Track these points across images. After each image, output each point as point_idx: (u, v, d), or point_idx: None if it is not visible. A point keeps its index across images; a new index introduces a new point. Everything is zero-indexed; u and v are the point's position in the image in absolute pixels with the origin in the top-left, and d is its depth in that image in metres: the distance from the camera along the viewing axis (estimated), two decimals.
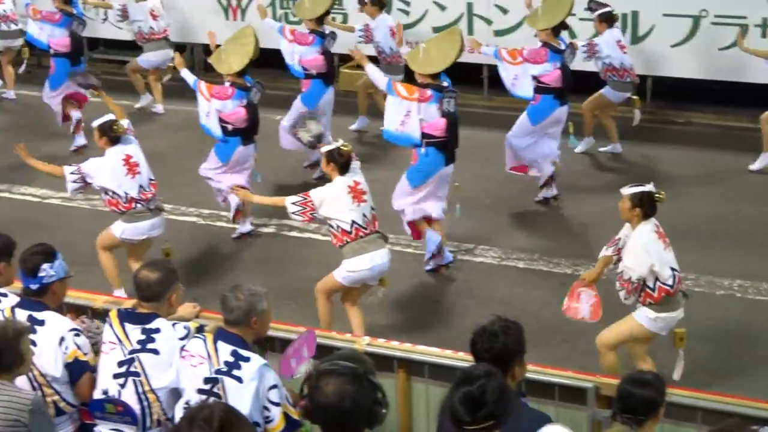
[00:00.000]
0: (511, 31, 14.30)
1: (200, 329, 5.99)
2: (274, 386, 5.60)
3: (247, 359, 5.63)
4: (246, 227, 11.04)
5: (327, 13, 12.67)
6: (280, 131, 12.41)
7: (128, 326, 5.94)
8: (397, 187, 10.06)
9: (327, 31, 12.52)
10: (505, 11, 14.11)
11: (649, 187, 7.70)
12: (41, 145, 13.09)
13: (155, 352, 5.87)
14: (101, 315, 6.59)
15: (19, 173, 12.28)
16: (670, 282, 7.64)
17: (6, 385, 5.32)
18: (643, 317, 7.76)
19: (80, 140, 13.49)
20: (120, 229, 9.41)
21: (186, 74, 10.86)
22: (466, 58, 12.81)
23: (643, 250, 7.60)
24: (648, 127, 13.64)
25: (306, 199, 8.60)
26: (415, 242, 10.44)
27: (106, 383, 5.92)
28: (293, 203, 8.65)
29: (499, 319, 5.16)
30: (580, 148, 12.97)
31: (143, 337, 5.89)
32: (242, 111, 10.56)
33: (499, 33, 14.40)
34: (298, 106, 12.41)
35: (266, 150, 11.29)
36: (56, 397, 6.02)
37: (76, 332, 6.08)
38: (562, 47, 11.33)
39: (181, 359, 5.79)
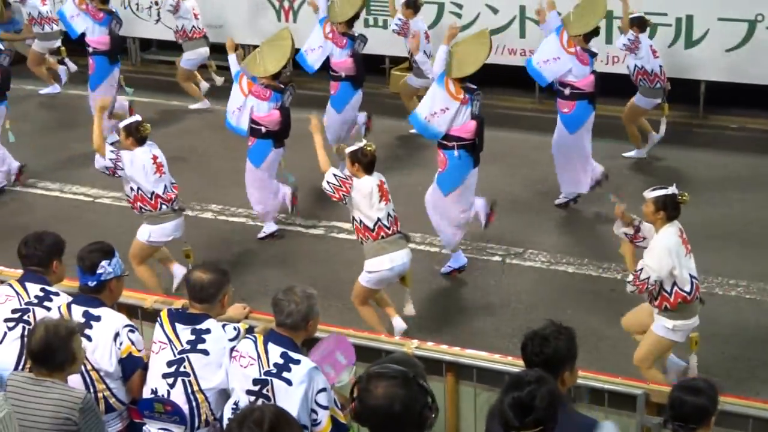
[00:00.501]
0: None
1: (250, 330, 6.01)
2: (323, 389, 5.60)
3: (297, 362, 5.64)
4: (272, 227, 11.12)
5: (357, 16, 12.67)
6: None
7: (178, 326, 5.96)
8: (428, 197, 10.03)
9: (357, 34, 12.51)
10: (558, 14, 13.95)
11: (672, 190, 7.63)
12: (76, 143, 13.32)
13: (205, 352, 5.89)
14: (152, 315, 6.62)
15: (71, 172, 12.44)
16: (687, 288, 7.59)
17: (57, 384, 5.37)
18: (661, 328, 7.72)
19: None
20: (147, 233, 9.43)
21: (232, 62, 10.85)
22: (518, 61, 12.84)
23: (666, 252, 7.52)
24: (701, 132, 13.52)
25: (345, 181, 8.61)
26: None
27: (155, 382, 5.95)
28: (330, 181, 8.63)
29: (552, 324, 5.12)
30: (632, 153, 12.95)
31: (193, 337, 5.91)
32: (276, 114, 10.59)
33: None
34: (330, 112, 12.44)
35: (299, 150, 11.19)
36: (107, 393, 6.06)
37: (130, 328, 6.13)
38: (596, 52, 11.40)
39: (231, 359, 5.82)
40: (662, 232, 7.61)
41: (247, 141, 10.80)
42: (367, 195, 8.59)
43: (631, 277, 7.65)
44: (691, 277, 7.62)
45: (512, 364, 6.10)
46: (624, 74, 12.81)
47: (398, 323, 8.97)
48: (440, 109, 9.56)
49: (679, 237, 7.60)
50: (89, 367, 5.99)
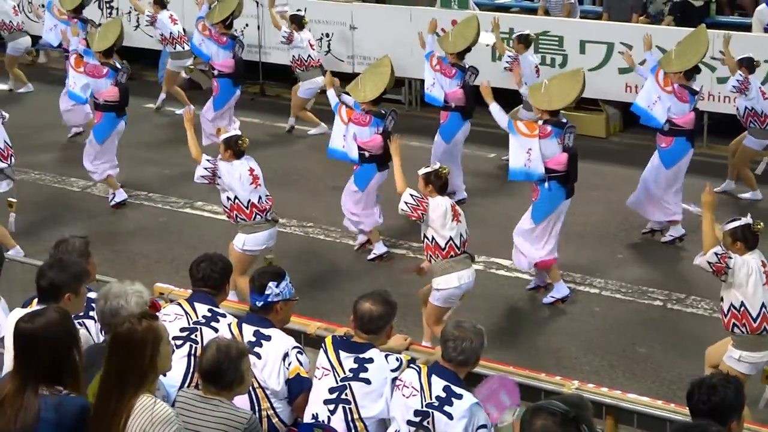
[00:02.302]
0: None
1: (412, 362, 6.05)
2: (483, 426, 5.63)
3: (459, 396, 5.68)
4: (380, 248, 11.28)
5: (468, 49, 12.83)
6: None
7: (342, 354, 6.05)
8: (519, 224, 10.21)
9: (467, 66, 12.71)
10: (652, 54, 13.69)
11: (745, 220, 7.78)
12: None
13: (367, 381, 5.96)
14: (314, 341, 6.71)
15: (200, 190, 12.65)
16: (754, 314, 7.67)
17: (224, 403, 5.47)
18: (729, 358, 7.82)
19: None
20: (241, 242, 9.73)
21: (331, 95, 11.25)
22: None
23: (745, 272, 7.66)
24: None
25: (422, 200, 8.93)
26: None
27: (316, 408, 6.03)
28: (407, 202, 8.96)
29: (719, 373, 5.04)
30: (748, 195, 12.78)
31: (356, 365, 5.99)
32: (379, 138, 10.86)
33: None
34: (438, 141, 12.65)
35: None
36: (271, 412, 6.17)
37: (299, 350, 6.23)
38: (697, 90, 11.37)
39: (394, 388, 5.89)
40: (745, 255, 7.73)
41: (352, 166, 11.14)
42: (441, 214, 8.87)
43: (713, 254, 7.64)
44: (764, 306, 7.68)
45: (675, 411, 6.03)
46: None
47: None
48: (526, 151, 9.84)
49: (760, 266, 7.69)
50: (256, 384, 6.10)
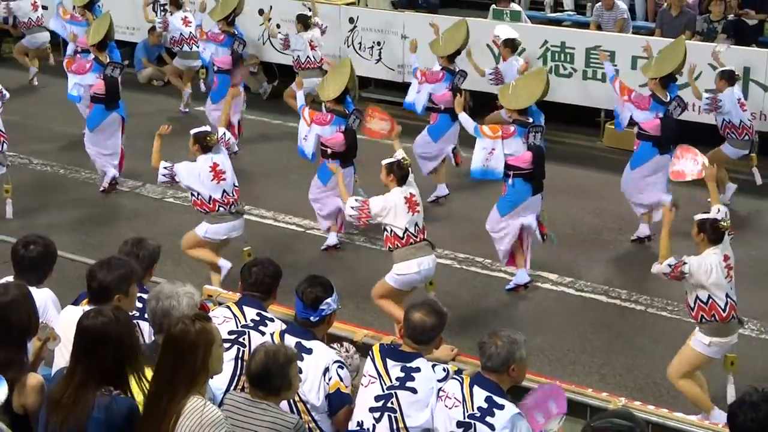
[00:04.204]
0: None
1: (458, 372, 6.06)
2: None
3: (501, 407, 5.69)
4: (333, 240, 11.78)
5: (458, 52, 13.15)
6: (417, 159, 12.87)
7: (389, 362, 6.07)
8: (490, 214, 10.68)
9: (457, 69, 13.08)
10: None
11: (714, 215, 8.09)
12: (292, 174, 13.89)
13: (413, 390, 5.98)
14: (361, 348, 6.74)
15: (282, 202, 12.97)
16: (721, 304, 7.99)
17: (272, 407, 5.51)
18: (698, 343, 8.12)
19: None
20: (204, 229, 10.25)
21: (299, 97, 11.87)
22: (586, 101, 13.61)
23: (703, 271, 7.96)
24: None
25: (364, 206, 9.38)
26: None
27: (361, 416, 6.06)
28: (352, 207, 9.45)
29: (755, 390, 5.02)
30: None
31: (403, 374, 6.02)
32: (340, 136, 11.30)
33: None
34: (424, 135, 13.07)
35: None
36: (312, 425, 6.16)
37: (340, 364, 6.24)
38: (668, 99, 11.60)
39: (437, 399, 5.90)
40: (703, 254, 8.04)
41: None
42: (393, 207, 9.29)
43: (666, 265, 8.01)
44: (728, 296, 8.01)
45: None
46: None
47: None
48: (488, 152, 10.30)
49: (721, 261, 7.98)
50: (297, 398, 6.08)
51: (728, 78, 12.47)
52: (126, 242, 6.96)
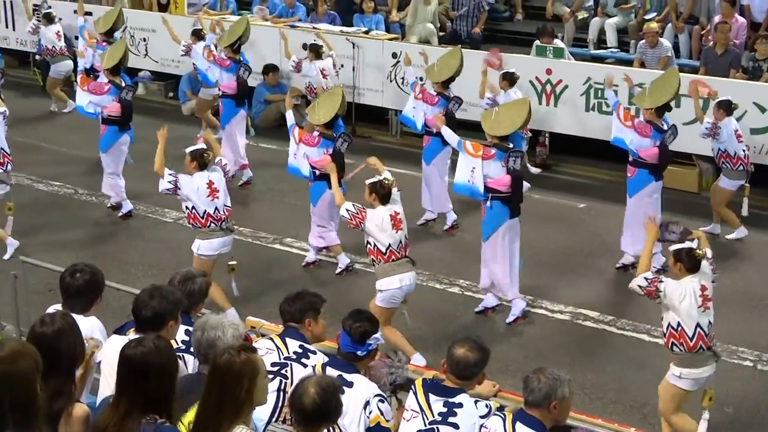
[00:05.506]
0: None
1: (501, 409, 6.04)
2: None
3: None
4: (344, 260, 12.05)
5: (452, 78, 13.39)
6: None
7: (432, 397, 6.06)
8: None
9: (452, 95, 13.33)
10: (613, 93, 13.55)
11: (689, 244, 8.20)
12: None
13: (455, 426, 5.96)
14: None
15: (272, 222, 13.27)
16: (690, 333, 8.06)
17: None
18: (672, 376, 8.24)
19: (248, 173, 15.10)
20: (197, 246, 10.56)
21: (289, 116, 12.13)
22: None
23: (678, 294, 8.05)
24: None
25: (361, 211, 9.65)
26: None
27: None
28: (347, 210, 9.71)
29: None
30: (734, 235, 12.94)
31: (445, 409, 6.00)
32: (327, 158, 11.51)
33: None
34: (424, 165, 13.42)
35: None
36: None
37: (380, 398, 6.23)
38: (665, 127, 11.79)
39: None
40: (682, 279, 8.12)
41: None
42: (379, 223, 9.56)
43: (643, 278, 8.13)
44: (698, 326, 8.05)
45: None
46: None
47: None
48: (471, 169, 10.53)
49: (697, 290, 8.05)
50: (337, 430, 6.09)
51: (726, 108, 12.64)
52: (174, 277, 7.00)
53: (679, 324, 8.08)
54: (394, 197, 9.75)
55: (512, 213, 10.68)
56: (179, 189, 10.38)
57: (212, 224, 10.48)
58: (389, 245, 9.57)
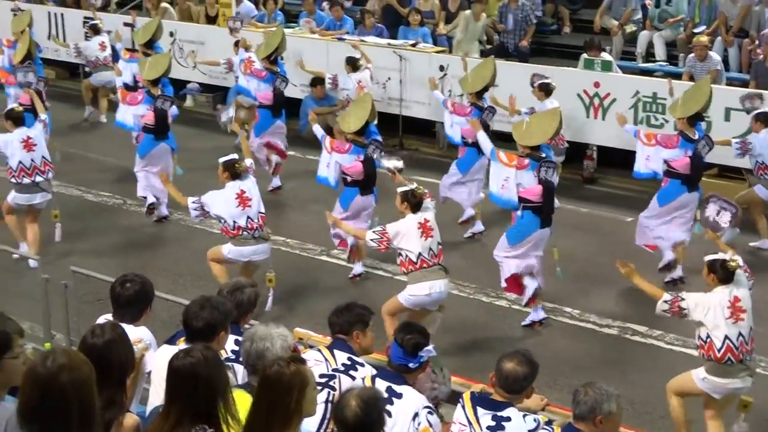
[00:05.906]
0: None
1: (549, 423, 6.03)
2: None
3: None
4: (359, 269, 12.18)
5: (486, 89, 13.53)
6: (442, 189, 13.35)
7: (480, 410, 6.06)
8: (498, 242, 10.90)
9: (485, 105, 13.44)
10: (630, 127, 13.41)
11: (723, 255, 8.26)
12: None
13: None
14: (451, 397, 6.73)
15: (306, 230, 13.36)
16: (718, 345, 8.06)
17: None
18: (695, 373, 8.31)
19: (276, 182, 15.28)
20: (227, 249, 10.79)
21: (317, 129, 12.23)
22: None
23: (701, 308, 8.12)
24: None
25: (383, 233, 9.78)
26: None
27: None
28: (372, 239, 9.85)
29: None
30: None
31: (493, 423, 6.00)
32: (359, 165, 11.73)
33: None
34: (453, 169, 13.44)
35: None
36: None
37: (429, 410, 6.22)
38: (696, 137, 11.77)
39: None
40: (713, 292, 8.18)
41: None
42: (407, 232, 9.67)
43: (663, 302, 8.23)
44: (727, 339, 8.06)
45: None
46: None
47: None
48: (503, 179, 10.59)
49: (726, 301, 8.07)
50: None
51: (764, 120, 12.64)
52: (223, 287, 7.05)
53: (708, 336, 8.15)
54: (425, 206, 9.85)
55: (543, 223, 10.67)
56: (208, 212, 10.63)
57: (244, 233, 10.65)
58: (419, 254, 9.66)
